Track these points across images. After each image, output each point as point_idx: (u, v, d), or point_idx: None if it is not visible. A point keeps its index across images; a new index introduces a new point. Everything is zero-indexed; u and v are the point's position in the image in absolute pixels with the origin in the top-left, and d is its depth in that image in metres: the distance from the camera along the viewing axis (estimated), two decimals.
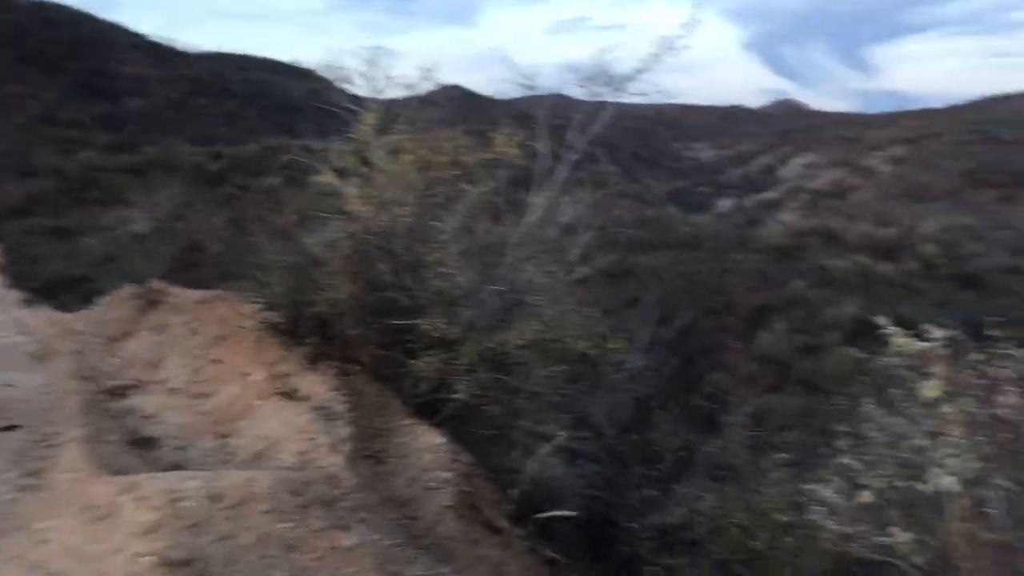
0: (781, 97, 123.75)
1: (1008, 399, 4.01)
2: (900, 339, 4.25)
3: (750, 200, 56.69)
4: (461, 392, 5.81)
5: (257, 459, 5.04)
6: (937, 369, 4.15)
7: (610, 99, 7.47)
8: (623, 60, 7.29)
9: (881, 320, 4.37)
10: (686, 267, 26.27)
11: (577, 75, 7.51)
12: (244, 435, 5.40)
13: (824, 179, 58.50)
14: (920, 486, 4.08)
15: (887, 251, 34.29)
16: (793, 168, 65.57)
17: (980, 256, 33.08)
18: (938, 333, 4.21)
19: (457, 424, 5.90)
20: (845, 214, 43.46)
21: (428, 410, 5.95)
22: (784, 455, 6.54)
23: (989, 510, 4.00)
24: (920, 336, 4.24)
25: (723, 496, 6.22)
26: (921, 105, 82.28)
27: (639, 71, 7.05)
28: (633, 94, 7.27)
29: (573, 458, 6.73)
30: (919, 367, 4.26)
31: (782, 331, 34.00)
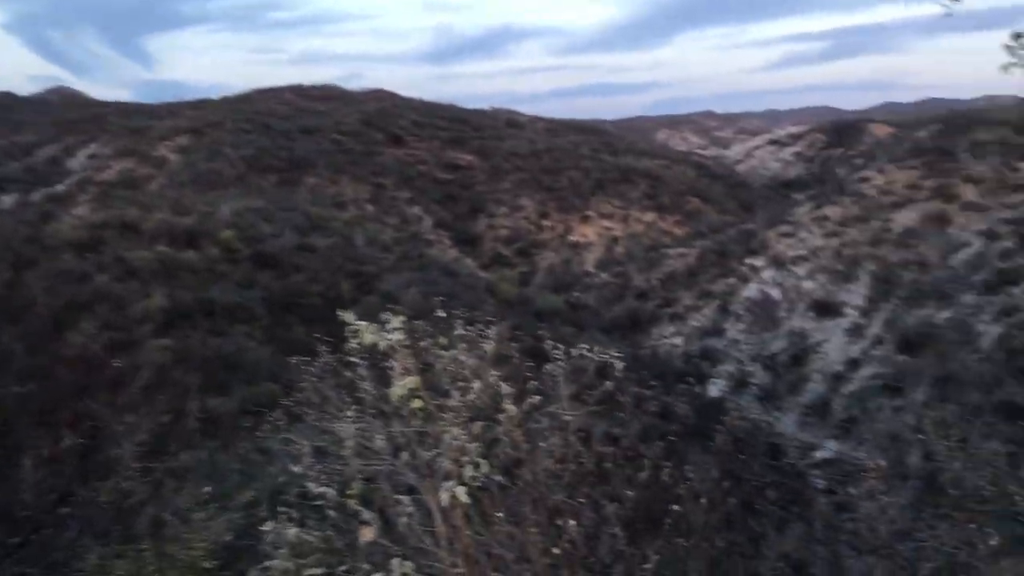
0: (55, 84, 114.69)
1: (475, 385, 3.93)
2: (367, 335, 3.81)
3: (37, 194, 51.91)
4: None
5: None
6: (403, 364, 3.83)
7: None
8: None
9: (347, 316, 3.89)
10: None
11: None
12: None
13: (113, 170, 57.18)
14: (409, 504, 3.85)
15: (187, 239, 35.67)
16: (80, 160, 62.27)
17: (274, 237, 36.76)
18: (396, 322, 3.85)
19: None
20: (140, 204, 43.32)
21: None
22: (205, 489, 6.16)
23: (492, 514, 3.90)
24: (380, 328, 3.86)
25: (137, 558, 5.49)
26: (198, 96, 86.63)
27: None
28: None
29: None
30: (381, 362, 3.92)
31: (92, 330, 32.59)
